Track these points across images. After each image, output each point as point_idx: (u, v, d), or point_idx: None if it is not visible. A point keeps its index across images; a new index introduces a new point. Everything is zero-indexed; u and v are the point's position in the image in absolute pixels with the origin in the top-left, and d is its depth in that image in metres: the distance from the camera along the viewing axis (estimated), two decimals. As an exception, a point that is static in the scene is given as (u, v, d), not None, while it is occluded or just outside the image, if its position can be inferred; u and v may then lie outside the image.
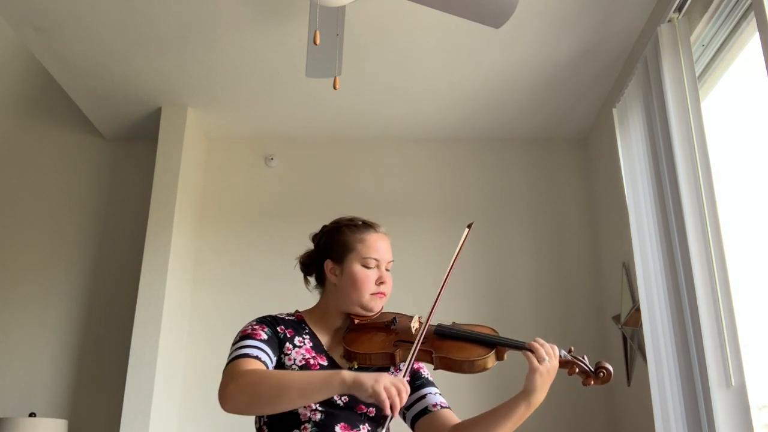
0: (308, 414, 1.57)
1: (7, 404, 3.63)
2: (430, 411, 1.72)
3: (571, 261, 3.90)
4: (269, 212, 4.02)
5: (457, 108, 3.84)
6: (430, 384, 1.79)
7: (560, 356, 1.63)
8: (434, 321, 1.67)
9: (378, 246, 1.74)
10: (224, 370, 1.56)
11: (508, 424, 1.61)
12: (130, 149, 4.15)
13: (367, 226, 1.78)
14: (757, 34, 2.20)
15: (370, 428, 1.63)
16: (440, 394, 1.78)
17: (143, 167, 4.01)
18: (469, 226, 1.70)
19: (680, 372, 2.49)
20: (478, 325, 1.73)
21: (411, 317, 1.72)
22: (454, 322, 1.73)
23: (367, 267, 1.71)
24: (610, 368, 1.63)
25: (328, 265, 1.75)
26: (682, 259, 2.48)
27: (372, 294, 1.71)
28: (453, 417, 1.72)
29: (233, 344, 1.62)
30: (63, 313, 3.81)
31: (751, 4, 2.32)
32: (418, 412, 1.73)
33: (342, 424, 1.59)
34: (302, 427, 1.57)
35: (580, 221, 3.98)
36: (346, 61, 3.06)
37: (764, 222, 2.56)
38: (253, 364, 1.54)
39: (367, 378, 1.40)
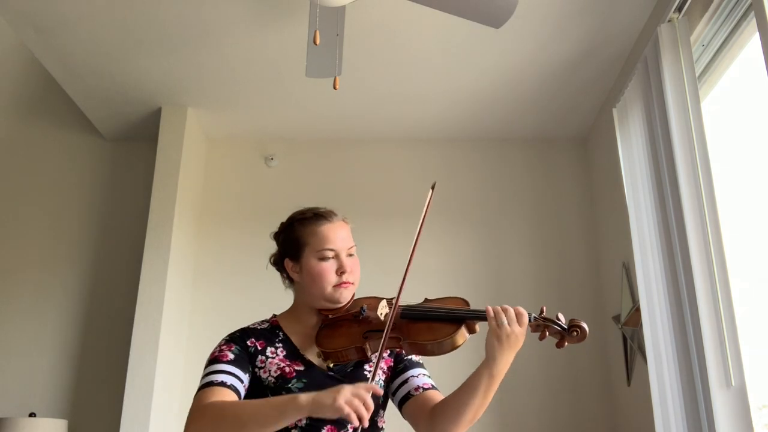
0: (294, 421, 1.54)
1: (7, 404, 3.63)
2: (413, 395, 1.68)
3: (571, 261, 3.90)
4: (269, 212, 3.98)
5: (457, 108, 3.84)
6: (415, 365, 1.74)
7: (530, 321, 1.55)
8: (404, 301, 1.62)
9: (331, 236, 1.68)
10: (193, 399, 1.55)
11: (476, 397, 1.53)
12: (130, 149, 4.15)
13: (318, 216, 1.72)
14: (757, 34, 2.20)
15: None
16: (425, 375, 1.73)
17: (143, 167, 4.01)
18: (432, 187, 1.61)
19: (680, 372, 2.49)
20: (449, 298, 1.66)
21: (378, 300, 1.66)
22: (426, 299, 1.67)
23: (323, 259, 1.66)
24: (585, 326, 1.54)
25: (288, 264, 1.72)
26: (682, 259, 2.48)
27: (335, 286, 1.66)
28: (436, 397, 1.67)
29: (204, 368, 1.60)
30: (63, 313, 3.81)
31: (751, 4, 2.32)
32: (402, 397, 1.70)
33: (329, 426, 1.57)
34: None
35: (580, 221, 3.98)
36: (346, 61, 3.06)
37: (764, 222, 2.56)
38: (218, 393, 1.52)
39: (326, 396, 1.34)
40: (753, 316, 2.45)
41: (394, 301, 1.58)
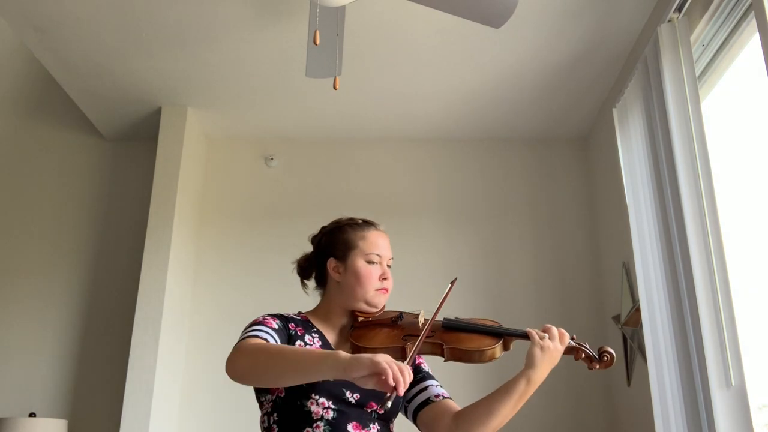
0: (321, 412, 1.58)
1: (7, 404, 3.63)
2: (433, 401, 1.73)
3: (571, 261, 3.90)
4: (269, 212, 4.02)
5: (457, 108, 3.84)
6: (431, 377, 1.81)
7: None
8: (438, 318, 1.70)
9: (379, 243, 1.78)
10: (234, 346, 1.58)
11: (510, 402, 1.62)
12: (130, 149, 4.15)
13: (368, 223, 1.81)
14: (757, 34, 2.20)
15: (379, 428, 1.64)
16: (441, 386, 1.79)
17: (143, 167, 4.01)
18: (452, 282, 1.72)
19: (680, 372, 2.49)
20: (481, 319, 1.76)
21: (417, 313, 1.74)
22: (457, 317, 1.75)
23: (370, 263, 1.74)
24: (613, 352, 1.69)
25: (331, 263, 1.76)
26: (682, 259, 2.48)
27: (376, 290, 1.73)
28: (455, 406, 1.73)
29: (244, 330, 1.63)
30: (63, 313, 3.81)
31: (751, 4, 2.32)
32: (420, 404, 1.74)
33: (354, 423, 1.60)
34: (314, 425, 1.57)
35: (580, 221, 3.98)
36: (346, 61, 3.06)
37: (764, 222, 2.56)
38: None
39: (365, 356, 1.35)
40: (753, 316, 2.45)
41: (435, 310, 1.67)
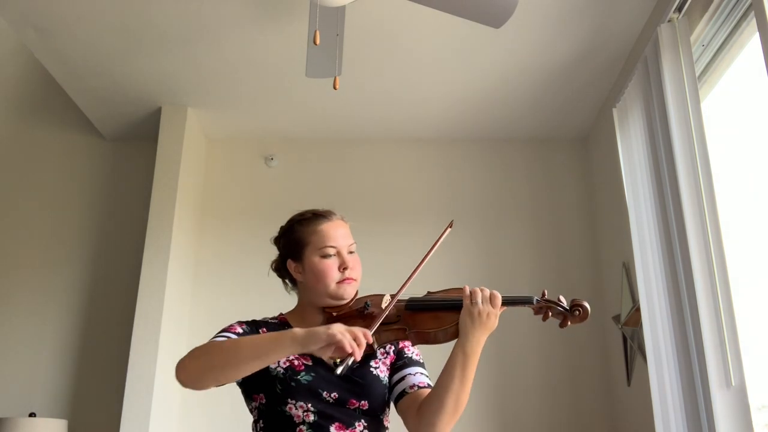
0: (301, 415, 1.58)
1: (7, 404, 3.63)
2: (407, 393, 1.69)
3: (571, 261, 3.90)
4: (269, 212, 4.01)
5: (458, 108, 3.84)
6: (414, 363, 1.75)
7: (533, 303, 1.63)
8: (407, 294, 1.66)
9: (332, 234, 1.72)
10: None
11: (454, 380, 1.57)
12: (130, 149, 4.15)
13: (318, 216, 1.76)
14: (757, 34, 2.20)
15: (366, 424, 1.62)
16: (423, 374, 1.74)
17: (143, 167, 4.01)
18: (449, 225, 1.71)
19: (680, 372, 2.49)
20: (452, 289, 1.69)
21: (382, 296, 1.68)
22: (428, 292, 1.71)
23: (325, 257, 1.70)
24: (587, 305, 1.58)
25: (291, 265, 1.75)
26: (682, 259, 2.48)
27: (338, 282, 1.69)
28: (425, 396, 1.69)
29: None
30: (63, 313, 3.81)
31: (751, 4, 2.33)
32: (398, 394, 1.71)
33: (337, 423, 1.59)
34: (297, 429, 1.57)
35: (580, 221, 3.98)
36: (346, 61, 3.06)
37: (764, 222, 2.56)
38: None
39: (320, 329, 1.42)
40: (753, 316, 2.45)
41: (395, 293, 1.62)
